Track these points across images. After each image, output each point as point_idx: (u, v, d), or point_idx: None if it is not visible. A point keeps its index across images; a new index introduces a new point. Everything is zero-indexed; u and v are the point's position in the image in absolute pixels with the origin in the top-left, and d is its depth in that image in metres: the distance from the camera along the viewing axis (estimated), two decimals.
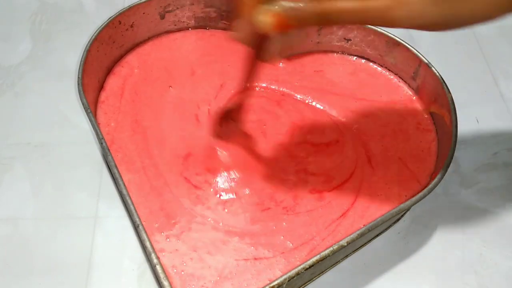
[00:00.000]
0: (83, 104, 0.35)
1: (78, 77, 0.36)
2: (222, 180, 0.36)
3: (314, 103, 0.41)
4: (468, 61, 0.50)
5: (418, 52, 0.39)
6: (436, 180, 0.32)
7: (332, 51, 0.44)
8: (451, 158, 0.34)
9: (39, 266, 0.36)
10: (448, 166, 0.33)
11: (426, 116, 0.40)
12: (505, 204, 0.40)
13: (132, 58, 0.43)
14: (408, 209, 0.36)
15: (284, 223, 0.34)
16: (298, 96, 0.41)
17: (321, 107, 0.41)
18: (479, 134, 0.44)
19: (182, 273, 0.31)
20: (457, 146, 0.35)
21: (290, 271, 0.29)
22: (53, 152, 0.42)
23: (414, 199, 0.32)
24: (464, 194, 0.40)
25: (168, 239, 0.33)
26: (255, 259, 0.32)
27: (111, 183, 0.40)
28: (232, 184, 0.36)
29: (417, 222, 0.39)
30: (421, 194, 0.32)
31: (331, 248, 0.30)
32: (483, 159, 0.42)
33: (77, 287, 0.35)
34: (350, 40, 0.42)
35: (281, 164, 0.37)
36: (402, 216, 0.39)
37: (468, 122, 0.45)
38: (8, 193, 0.39)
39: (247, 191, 0.36)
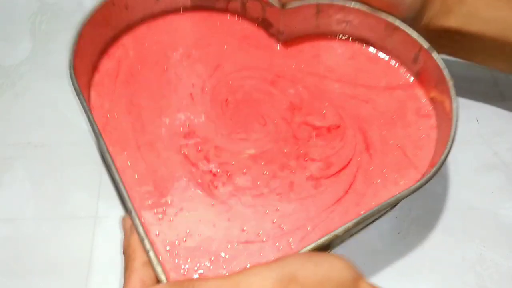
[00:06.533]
0: (74, 88, 0.35)
1: (70, 60, 0.36)
2: (219, 160, 0.36)
3: (312, 87, 0.41)
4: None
5: (419, 37, 0.38)
6: (435, 168, 0.32)
7: (331, 34, 0.43)
8: (451, 145, 0.33)
9: (39, 266, 0.36)
10: (447, 154, 0.33)
11: (426, 101, 0.39)
12: (505, 204, 0.40)
13: (127, 40, 0.42)
14: (404, 198, 0.35)
15: (277, 208, 0.34)
16: (295, 80, 0.41)
17: (320, 91, 0.41)
18: (479, 134, 0.44)
19: (176, 253, 0.31)
20: (457, 146, 0.34)
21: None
22: (53, 152, 0.42)
23: (412, 187, 0.31)
24: (464, 194, 0.40)
25: (161, 220, 0.33)
26: (247, 242, 0.32)
27: (111, 183, 0.40)
28: (229, 164, 0.36)
29: (417, 222, 0.39)
30: (419, 183, 0.31)
31: (326, 237, 0.29)
32: (483, 159, 0.42)
33: (77, 287, 0.35)
34: (349, 22, 0.41)
35: (284, 146, 0.37)
36: (398, 203, 0.38)
37: (468, 122, 0.45)
38: (8, 193, 0.39)
39: (242, 173, 0.36)
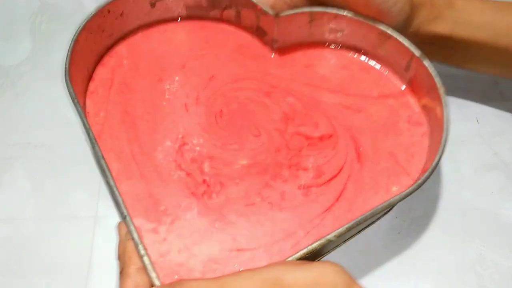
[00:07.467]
0: (70, 94, 0.35)
1: (65, 67, 0.36)
2: (213, 170, 0.36)
3: (305, 98, 0.41)
4: None
5: (411, 45, 0.39)
6: (426, 174, 0.32)
7: (324, 43, 0.43)
8: (442, 151, 0.33)
9: (39, 266, 0.36)
10: (439, 160, 0.33)
11: (417, 109, 0.40)
12: (505, 204, 0.40)
13: (121, 49, 0.43)
14: (396, 204, 0.35)
15: (268, 217, 0.34)
16: (289, 90, 0.41)
17: (313, 102, 0.41)
18: (479, 134, 0.44)
19: (170, 263, 0.32)
20: (457, 146, 0.35)
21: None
22: (53, 152, 0.42)
23: (403, 193, 0.31)
24: (464, 194, 0.40)
25: (155, 228, 0.33)
26: (238, 250, 0.32)
27: (107, 189, 0.40)
28: (222, 174, 0.36)
29: (417, 222, 0.39)
30: (410, 188, 0.32)
31: (318, 242, 0.29)
32: (483, 159, 0.43)
33: (77, 287, 0.35)
34: (342, 30, 0.42)
35: (277, 156, 0.37)
36: (391, 209, 0.39)
37: (468, 122, 0.45)
38: (8, 193, 0.39)
39: (235, 184, 0.36)
